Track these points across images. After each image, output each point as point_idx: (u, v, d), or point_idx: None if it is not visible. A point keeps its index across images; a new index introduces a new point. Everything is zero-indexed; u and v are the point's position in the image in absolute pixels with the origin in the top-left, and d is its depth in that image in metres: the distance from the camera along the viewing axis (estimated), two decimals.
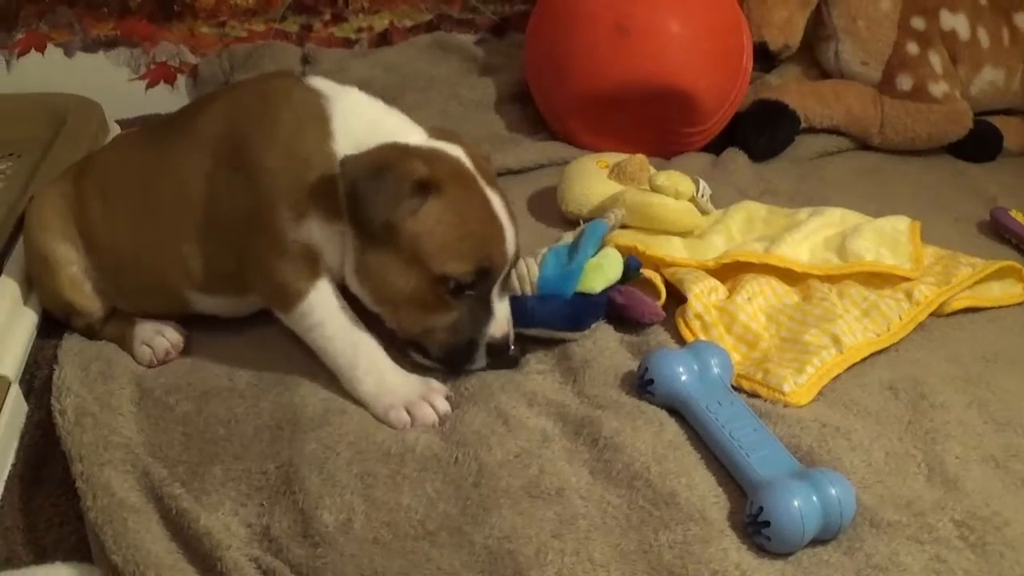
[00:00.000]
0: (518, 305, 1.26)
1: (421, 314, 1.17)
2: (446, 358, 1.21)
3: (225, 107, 1.24)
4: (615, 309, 1.34)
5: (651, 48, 1.70)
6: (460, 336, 1.18)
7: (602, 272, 1.30)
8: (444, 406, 1.18)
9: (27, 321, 1.37)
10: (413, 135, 1.20)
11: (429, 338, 1.19)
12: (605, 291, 1.31)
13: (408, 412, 1.17)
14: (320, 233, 1.18)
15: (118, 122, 1.90)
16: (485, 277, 1.16)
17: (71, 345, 1.32)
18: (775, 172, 1.84)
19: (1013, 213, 1.67)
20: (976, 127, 1.95)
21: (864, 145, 1.95)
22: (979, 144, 1.95)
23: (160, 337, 1.30)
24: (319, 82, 1.24)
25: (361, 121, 1.18)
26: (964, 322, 1.46)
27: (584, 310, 1.30)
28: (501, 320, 1.20)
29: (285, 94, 1.21)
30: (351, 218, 1.13)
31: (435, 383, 1.21)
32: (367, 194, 1.09)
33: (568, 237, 1.39)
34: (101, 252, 1.30)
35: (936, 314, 1.44)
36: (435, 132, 1.24)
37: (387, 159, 1.11)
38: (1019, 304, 1.51)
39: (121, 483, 1.07)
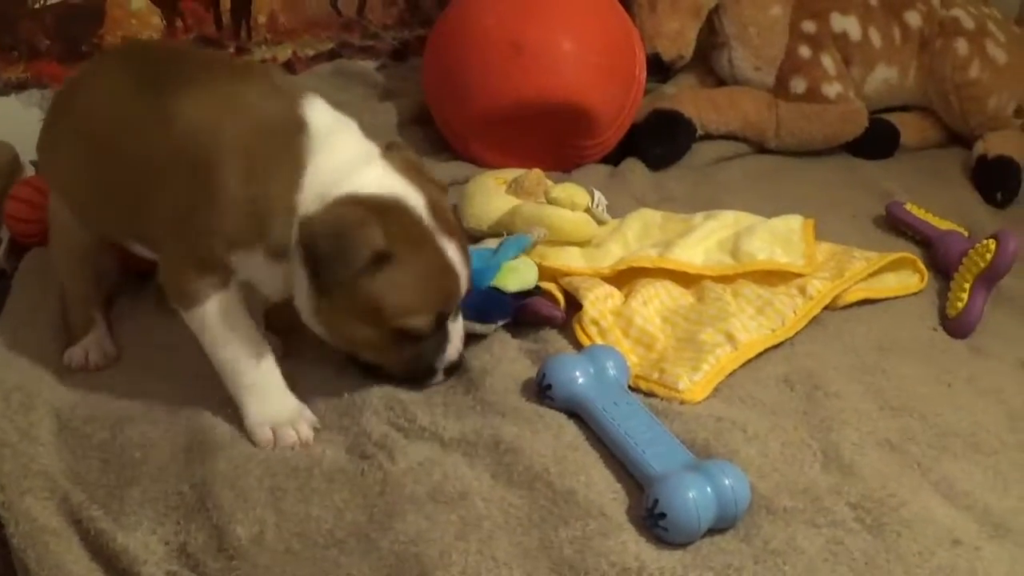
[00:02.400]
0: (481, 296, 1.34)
1: (380, 353, 1.22)
2: (405, 381, 1.26)
3: (212, 102, 1.18)
4: (522, 313, 1.38)
5: (544, 64, 1.72)
6: (420, 364, 1.24)
7: (517, 274, 1.37)
8: (307, 434, 1.20)
9: None
10: (371, 173, 1.18)
11: (389, 368, 1.25)
12: (516, 294, 1.36)
13: (273, 432, 1.19)
14: (257, 267, 1.18)
15: (32, 162, 1.89)
16: (442, 319, 1.21)
17: None
18: (672, 180, 1.87)
19: (908, 207, 1.70)
20: (872, 125, 1.99)
21: (762, 149, 1.99)
22: (876, 142, 2.00)
23: (97, 349, 1.35)
24: (313, 112, 1.21)
25: (331, 171, 1.16)
26: (860, 314, 1.49)
27: (494, 303, 1.35)
28: (456, 342, 1.25)
29: (276, 120, 1.17)
30: (307, 269, 1.14)
31: (307, 412, 1.23)
32: (324, 258, 1.10)
33: (491, 243, 1.45)
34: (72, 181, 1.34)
35: (831, 308, 1.47)
36: (393, 158, 1.22)
37: (346, 224, 1.11)
38: (916, 294, 1.55)
39: (42, 509, 1.11)
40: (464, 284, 1.21)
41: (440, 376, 1.26)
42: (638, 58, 1.85)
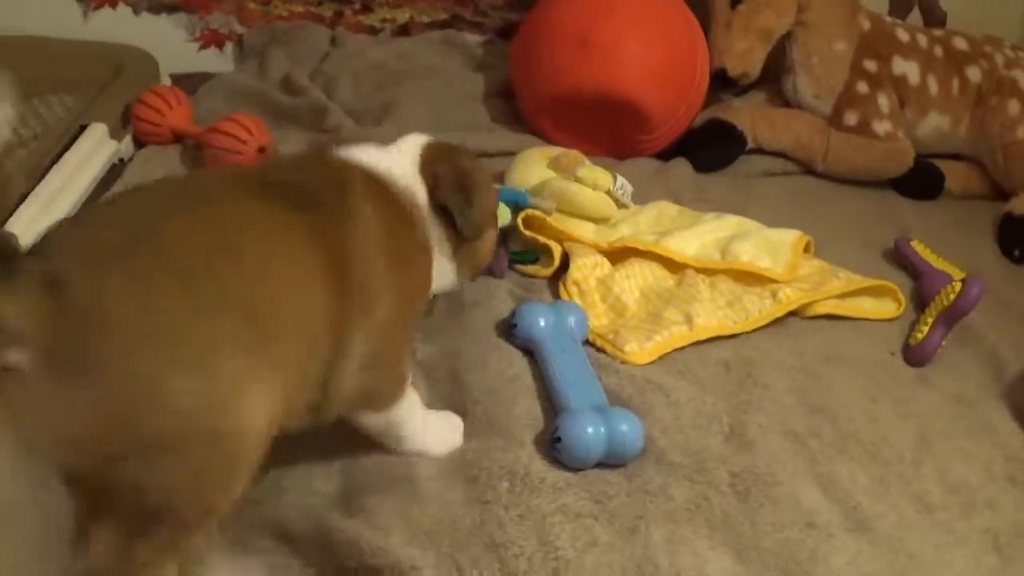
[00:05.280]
0: None
1: (492, 249, 1.40)
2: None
3: None
4: None
5: (605, 61, 1.92)
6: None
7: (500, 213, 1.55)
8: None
9: None
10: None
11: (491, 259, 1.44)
12: None
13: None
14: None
15: (170, 76, 2.21)
16: None
17: None
18: (713, 183, 2.03)
19: (914, 244, 1.82)
20: (918, 166, 2.10)
21: (810, 171, 2.13)
22: (920, 182, 2.11)
23: None
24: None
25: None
26: (825, 326, 1.64)
27: None
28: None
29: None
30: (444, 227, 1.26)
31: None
32: (465, 202, 1.25)
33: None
34: None
35: (800, 315, 1.63)
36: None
37: (461, 170, 1.27)
38: (889, 321, 1.69)
39: None
40: None
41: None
42: (699, 68, 2.02)
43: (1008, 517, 1.34)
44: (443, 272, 1.29)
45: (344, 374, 1.06)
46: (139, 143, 1.93)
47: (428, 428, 1.25)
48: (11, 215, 1.60)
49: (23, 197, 1.66)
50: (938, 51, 2.12)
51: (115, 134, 1.90)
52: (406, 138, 1.30)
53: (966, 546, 1.28)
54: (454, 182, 1.23)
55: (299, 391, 1.00)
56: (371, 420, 1.18)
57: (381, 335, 1.10)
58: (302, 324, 0.99)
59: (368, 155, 1.20)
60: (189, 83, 2.09)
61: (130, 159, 1.89)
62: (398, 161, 1.23)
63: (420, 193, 1.23)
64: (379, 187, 1.17)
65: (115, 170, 1.85)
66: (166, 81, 2.14)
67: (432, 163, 1.24)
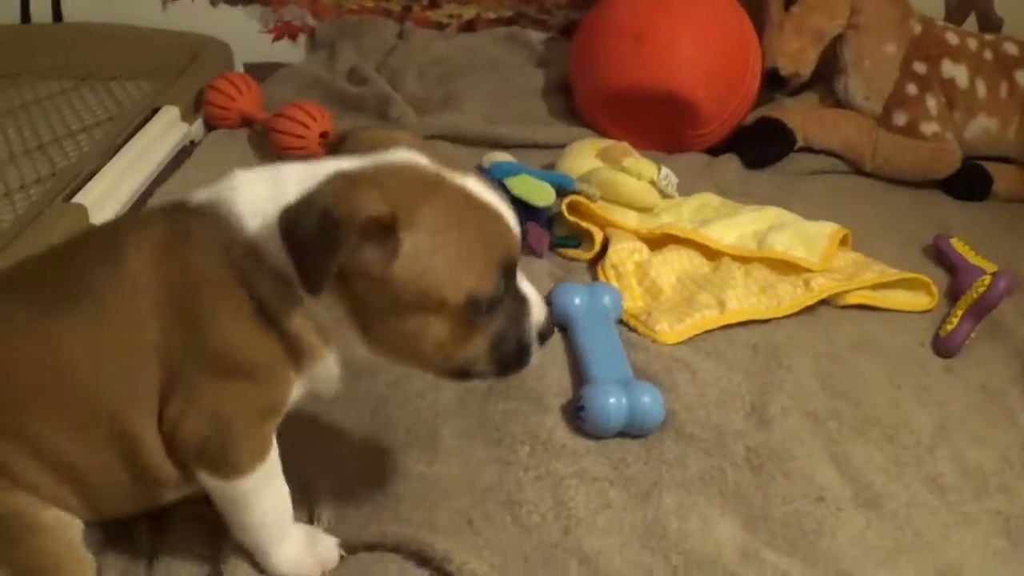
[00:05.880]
0: (487, 179, 1.64)
1: (459, 349, 0.98)
2: (500, 370, 1.02)
3: None
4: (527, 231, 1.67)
5: (660, 57, 2.00)
6: (508, 343, 1.00)
7: (528, 187, 1.68)
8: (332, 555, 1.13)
9: None
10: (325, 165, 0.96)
11: (475, 365, 1.00)
12: (521, 204, 1.66)
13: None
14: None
15: (244, 65, 2.33)
16: (510, 273, 0.98)
17: None
18: (761, 179, 2.08)
19: (953, 242, 1.86)
20: (967, 168, 2.13)
21: (859, 171, 2.17)
22: (967, 184, 2.13)
23: None
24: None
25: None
26: (857, 316, 1.68)
27: (521, 211, 1.60)
28: (537, 301, 1.02)
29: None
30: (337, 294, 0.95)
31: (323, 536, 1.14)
32: (308, 248, 0.88)
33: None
34: None
35: (833, 304, 1.68)
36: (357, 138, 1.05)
37: (323, 196, 0.90)
38: (923, 313, 1.73)
39: None
40: (512, 221, 0.99)
41: (537, 348, 1.03)
42: (750, 67, 2.09)
43: (1021, 503, 1.37)
44: (327, 367, 1.02)
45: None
46: (209, 126, 2.06)
47: (285, 533, 1.09)
48: (80, 190, 1.72)
49: (94, 173, 1.78)
50: (988, 55, 2.14)
51: (187, 117, 2.03)
52: (320, 163, 0.97)
53: (975, 527, 1.32)
54: (292, 219, 0.89)
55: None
56: (208, 483, 1.02)
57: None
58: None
59: (215, 195, 0.98)
60: (262, 72, 2.22)
61: (200, 141, 2.01)
62: (258, 199, 0.96)
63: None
64: (185, 247, 0.96)
65: (186, 151, 1.98)
66: (240, 70, 2.26)
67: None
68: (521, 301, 1.00)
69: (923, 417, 1.49)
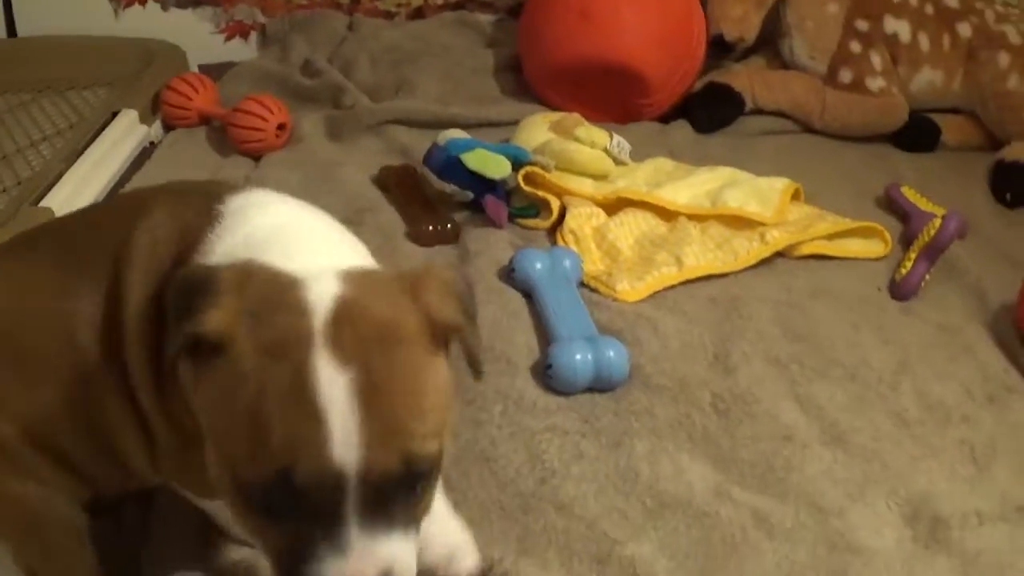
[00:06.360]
0: (443, 156, 1.73)
1: (239, 521, 0.81)
2: None
3: None
4: (486, 205, 1.72)
5: (605, 31, 2.03)
6: (294, 565, 0.75)
7: (481, 160, 1.70)
8: None
9: None
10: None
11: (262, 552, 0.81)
12: (478, 179, 1.71)
13: None
14: None
15: (199, 66, 2.34)
16: (299, 495, 0.73)
17: None
18: (714, 143, 2.12)
19: (904, 190, 1.90)
20: (914, 121, 2.18)
21: (808, 129, 2.21)
22: (916, 136, 2.18)
23: None
24: None
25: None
26: (813, 265, 1.73)
27: (451, 168, 1.74)
28: (355, 561, 0.74)
29: None
30: None
31: None
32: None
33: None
34: None
35: (788, 256, 1.72)
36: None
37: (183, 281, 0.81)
38: (877, 260, 1.76)
39: None
40: (341, 446, 0.72)
41: None
42: (695, 35, 2.12)
43: (985, 431, 1.41)
44: None
45: None
46: (168, 127, 2.06)
47: None
48: (46, 194, 1.73)
49: (59, 178, 1.79)
50: (929, 9, 2.19)
51: (145, 119, 2.04)
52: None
53: (942, 456, 1.35)
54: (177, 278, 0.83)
55: None
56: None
57: None
58: None
59: None
60: (216, 73, 2.22)
61: (160, 141, 2.02)
62: (239, 244, 0.90)
63: None
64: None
65: (146, 152, 1.98)
66: (194, 71, 2.27)
67: None
68: (332, 545, 0.73)
69: (883, 356, 1.53)
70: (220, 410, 0.77)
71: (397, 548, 0.75)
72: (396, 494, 0.75)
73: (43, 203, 1.70)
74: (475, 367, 0.87)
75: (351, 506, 0.73)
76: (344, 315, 0.76)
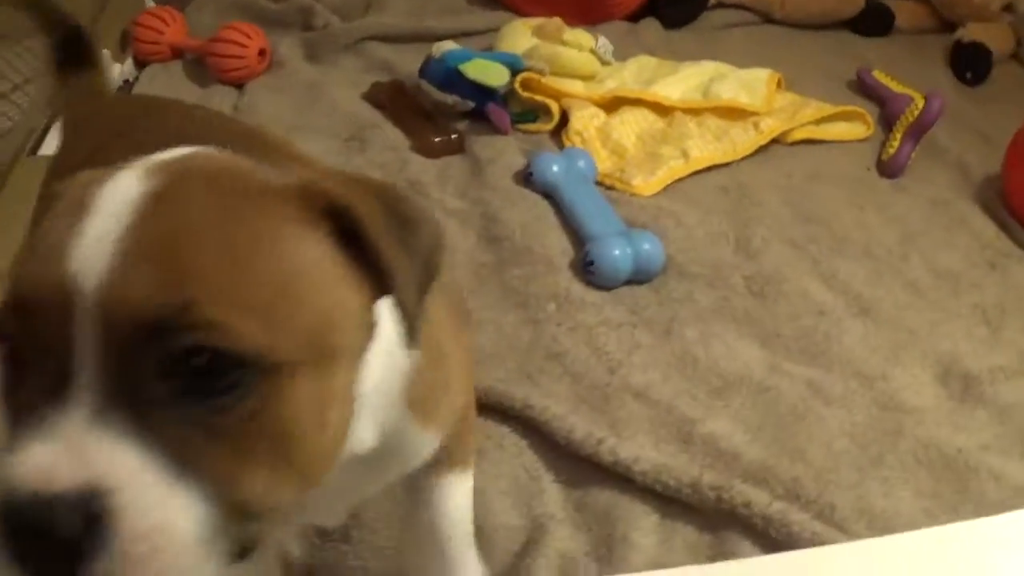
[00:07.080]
0: (442, 68, 1.72)
1: None
2: None
3: None
4: (488, 112, 1.72)
5: None
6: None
7: (481, 70, 1.70)
8: None
9: None
10: None
11: None
12: (480, 88, 1.71)
13: None
14: None
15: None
16: (26, 314, 0.53)
17: None
18: (683, 39, 2.16)
19: (876, 74, 1.97)
20: (869, 6, 2.24)
21: (769, 19, 2.26)
22: (871, 21, 2.25)
23: None
24: None
25: None
26: (806, 150, 1.79)
27: (450, 79, 1.73)
28: (49, 457, 0.49)
29: None
30: None
31: None
32: None
33: None
34: None
35: (782, 143, 1.77)
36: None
37: None
38: (862, 141, 1.84)
39: None
40: (80, 266, 0.52)
41: None
42: None
43: (992, 295, 1.50)
44: None
45: None
46: (140, 64, 1.99)
47: None
48: (42, 143, 1.69)
49: (47, 129, 1.73)
50: None
51: (117, 58, 1.95)
52: None
53: (958, 320, 1.44)
54: None
55: None
56: None
57: None
58: None
59: None
60: (179, 4, 2.14)
61: (135, 79, 1.96)
62: None
63: None
64: None
65: (123, 90, 1.91)
66: (151, 5, 2.19)
67: None
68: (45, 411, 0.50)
69: (888, 231, 1.61)
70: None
71: (130, 459, 0.50)
72: (168, 375, 0.51)
73: (42, 151, 1.66)
74: (409, 326, 0.59)
75: (83, 357, 0.51)
76: (189, 162, 0.59)
